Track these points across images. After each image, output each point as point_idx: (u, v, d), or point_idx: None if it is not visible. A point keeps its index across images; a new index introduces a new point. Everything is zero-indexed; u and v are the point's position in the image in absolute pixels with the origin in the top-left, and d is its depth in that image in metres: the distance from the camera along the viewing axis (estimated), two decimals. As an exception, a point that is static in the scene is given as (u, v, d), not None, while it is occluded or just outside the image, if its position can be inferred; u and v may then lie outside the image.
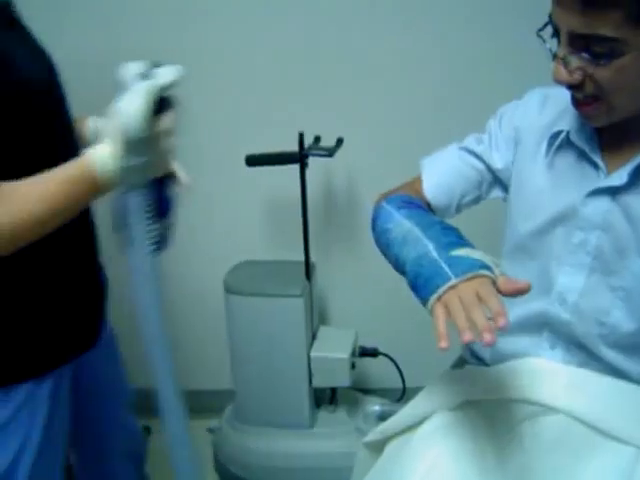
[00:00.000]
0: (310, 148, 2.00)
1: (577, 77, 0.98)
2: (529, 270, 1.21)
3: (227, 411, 2.30)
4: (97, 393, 1.60)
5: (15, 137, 1.14)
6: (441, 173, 1.31)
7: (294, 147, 1.95)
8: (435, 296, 0.96)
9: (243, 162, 1.97)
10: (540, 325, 1.21)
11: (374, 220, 1.22)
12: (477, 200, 1.33)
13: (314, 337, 2.12)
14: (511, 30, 1.85)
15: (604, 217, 1.09)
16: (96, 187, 1.08)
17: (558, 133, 1.15)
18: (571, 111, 1.14)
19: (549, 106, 1.23)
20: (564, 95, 1.18)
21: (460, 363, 1.35)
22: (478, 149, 1.30)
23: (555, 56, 0.99)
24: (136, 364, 2.47)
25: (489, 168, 1.29)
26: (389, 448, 1.22)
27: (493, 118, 1.32)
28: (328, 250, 2.12)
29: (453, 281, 0.96)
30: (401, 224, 1.12)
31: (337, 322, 2.39)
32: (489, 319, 0.88)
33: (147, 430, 2.39)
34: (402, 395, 2.35)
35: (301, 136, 1.93)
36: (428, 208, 1.28)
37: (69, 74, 1.37)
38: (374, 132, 2.11)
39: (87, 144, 1.28)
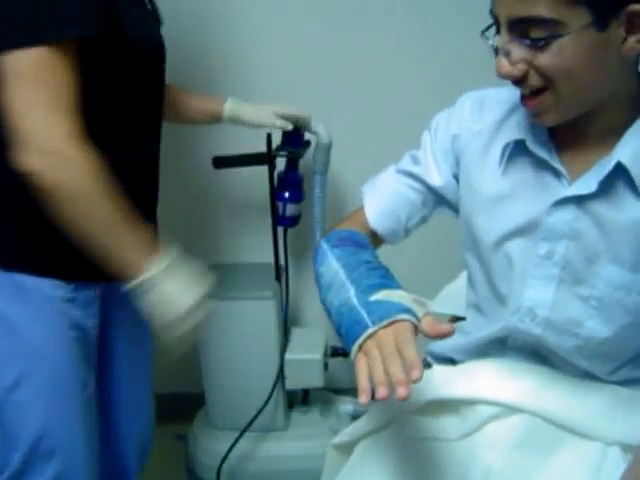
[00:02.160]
0: (278, 149, 1.99)
1: (520, 68, 0.96)
2: (490, 287, 1.19)
3: (198, 416, 2.28)
4: (120, 374, 1.60)
5: (119, 89, 1.29)
6: (383, 200, 1.27)
7: (262, 148, 1.93)
8: (356, 346, 0.95)
9: (210, 164, 1.95)
10: (502, 344, 1.19)
11: (313, 261, 1.20)
12: (424, 220, 1.30)
13: (286, 339, 2.10)
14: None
15: (571, 226, 1.06)
16: (131, 274, 1.26)
17: (513, 142, 1.12)
18: (522, 118, 1.12)
19: (488, 109, 1.19)
20: (502, 98, 1.18)
21: (427, 363, 1.35)
22: (415, 170, 1.26)
23: (497, 50, 0.98)
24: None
25: (429, 187, 1.25)
26: (358, 449, 1.21)
27: (427, 131, 1.28)
28: (296, 251, 2.11)
29: (371, 329, 0.94)
30: (330, 267, 1.11)
31: (306, 323, 2.38)
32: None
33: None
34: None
35: (269, 137, 1.92)
36: (374, 238, 1.26)
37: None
38: (345, 131, 2.10)
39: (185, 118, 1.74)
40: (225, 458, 2.07)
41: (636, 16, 0.92)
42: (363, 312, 0.97)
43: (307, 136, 1.98)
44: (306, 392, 2.27)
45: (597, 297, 1.07)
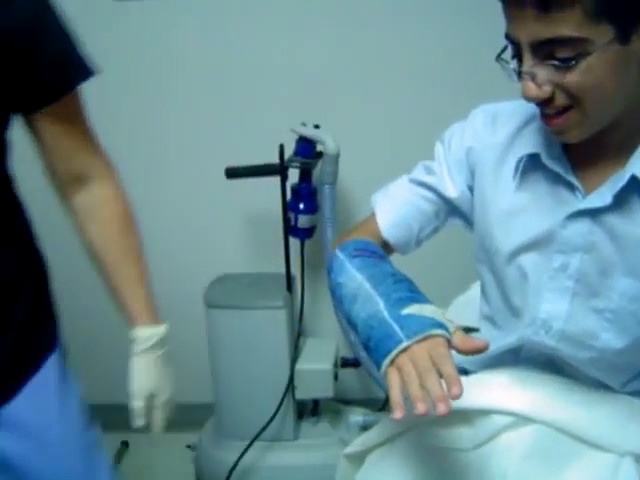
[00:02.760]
0: (291, 160, 2.00)
1: (547, 90, 0.95)
2: (503, 300, 1.20)
3: (207, 425, 2.28)
4: None
5: None
6: (395, 210, 1.25)
7: (275, 159, 1.94)
8: (387, 360, 0.93)
9: (223, 174, 1.96)
10: (516, 355, 1.20)
11: (328, 272, 1.18)
12: (436, 230, 1.29)
13: (296, 349, 2.11)
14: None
15: (586, 238, 1.06)
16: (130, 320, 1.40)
17: (527, 156, 1.12)
18: (535, 132, 1.12)
19: (501, 124, 1.19)
20: (516, 111, 1.17)
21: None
22: (429, 180, 1.25)
23: (520, 74, 0.96)
24: (112, 379, 2.47)
25: (443, 198, 1.25)
26: (370, 459, 1.21)
27: (440, 143, 1.27)
28: (308, 262, 2.11)
29: (405, 344, 0.92)
30: (352, 278, 1.08)
31: (317, 333, 2.39)
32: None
33: (125, 445, 2.38)
34: (384, 405, 2.34)
35: (281, 148, 1.93)
36: (386, 247, 1.25)
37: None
38: (357, 142, 2.11)
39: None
40: (234, 468, 2.07)
41: None
42: (395, 326, 0.95)
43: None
44: (316, 402, 2.27)
45: (612, 309, 1.07)
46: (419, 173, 1.28)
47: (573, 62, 0.91)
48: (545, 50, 0.93)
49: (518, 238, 1.13)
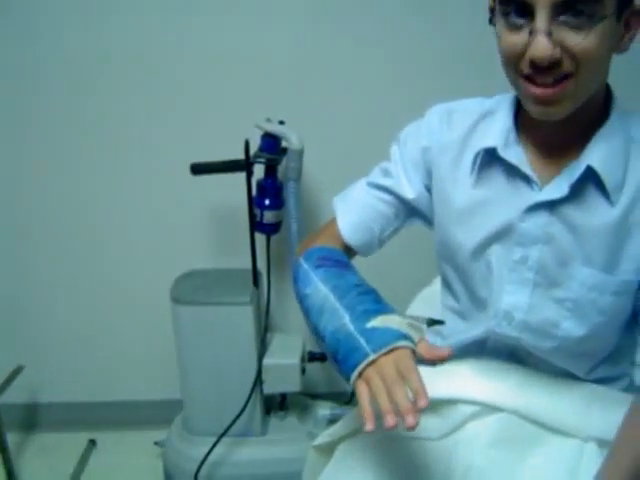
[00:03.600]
0: (256, 156, 2.00)
1: (557, 51, 0.94)
2: (468, 294, 1.22)
3: (175, 422, 2.28)
4: None
5: None
6: (355, 214, 1.27)
7: (240, 154, 1.94)
8: (356, 374, 0.95)
9: (188, 170, 1.96)
10: (481, 346, 1.22)
11: (294, 281, 1.19)
12: (397, 231, 1.31)
13: (263, 344, 2.11)
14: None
15: (544, 230, 1.09)
16: None
17: (484, 150, 1.13)
18: (490, 127, 1.14)
19: (457, 121, 1.21)
20: (470, 109, 1.20)
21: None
22: (386, 183, 1.27)
23: (532, 32, 0.94)
24: (79, 378, 2.46)
25: (401, 200, 1.26)
26: (339, 450, 1.23)
27: (396, 144, 1.29)
28: (274, 257, 2.12)
29: (371, 357, 0.94)
30: (318, 289, 1.10)
31: (284, 328, 2.40)
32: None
33: (93, 443, 2.37)
34: (351, 398, 2.36)
35: (247, 144, 1.93)
36: (348, 251, 1.26)
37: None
38: (322, 138, 2.12)
39: None
40: (202, 463, 2.07)
41: (635, 14, 0.98)
42: (361, 339, 0.97)
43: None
44: (284, 397, 2.27)
45: (572, 299, 1.10)
46: (376, 176, 1.30)
47: (590, 24, 0.92)
48: (563, 10, 0.92)
49: (480, 233, 1.15)
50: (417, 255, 1.74)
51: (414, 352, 0.96)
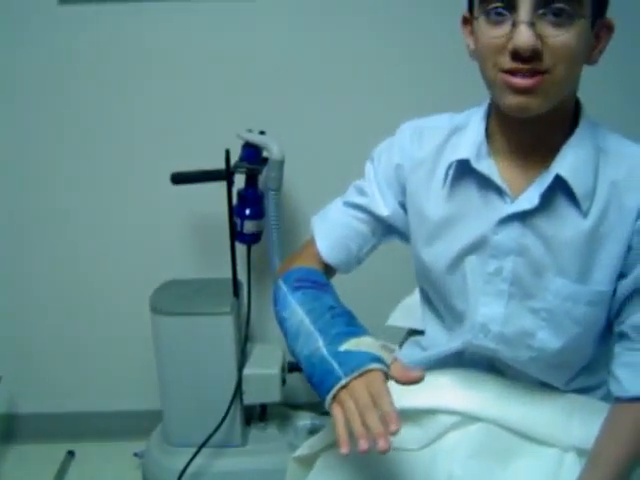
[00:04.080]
0: (237, 165, 2.00)
1: (539, 43, 0.96)
2: (446, 307, 1.23)
3: (154, 433, 2.27)
4: None
5: None
6: (332, 233, 1.28)
7: (221, 164, 1.94)
8: (330, 397, 0.96)
9: (168, 180, 1.95)
10: (460, 357, 1.22)
11: (274, 303, 1.19)
12: (375, 248, 1.31)
13: (243, 354, 2.11)
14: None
15: (517, 242, 1.10)
16: None
17: (456, 162, 1.14)
18: (461, 140, 1.15)
19: (427, 138, 1.21)
20: (440, 125, 1.21)
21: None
22: (361, 201, 1.27)
23: (515, 23, 0.96)
24: (58, 388, 2.44)
25: (376, 218, 1.27)
26: (320, 462, 1.22)
27: (370, 162, 1.29)
28: (254, 267, 2.11)
29: (343, 381, 0.95)
30: (294, 313, 1.10)
31: (264, 338, 2.39)
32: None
33: (71, 454, 2.35)
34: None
35: (227, 153, 1.93)
36: (328, 269, 1.27)
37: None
38: (302, 148, 2.13)
39: None
40: (182, 474, 2.06)
41: (604, 27, 1.03)
42: (334, 363, 0.98)
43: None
44: (264, 407, 2.27)
45: (546, 309, 1.10)
46: (351, 195, 1.30)
47: (570, 20, 0.95)
48: (544, 4, 0.95)
49: (455, 247, 1.16)
50: (398, 264, 1.74)
51: (386, 374, 0.97)
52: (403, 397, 1.17)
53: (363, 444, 0.87)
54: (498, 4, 0.98)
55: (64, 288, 2.34)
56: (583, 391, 1.20)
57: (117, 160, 2.20)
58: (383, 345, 1.01)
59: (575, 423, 1.14)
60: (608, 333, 1.15)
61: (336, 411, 0.95)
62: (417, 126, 1.25)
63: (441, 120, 1.23)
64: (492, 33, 1.00)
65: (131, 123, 2.16)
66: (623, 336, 1.12)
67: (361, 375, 0.95)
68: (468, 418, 1.14)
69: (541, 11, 0.95)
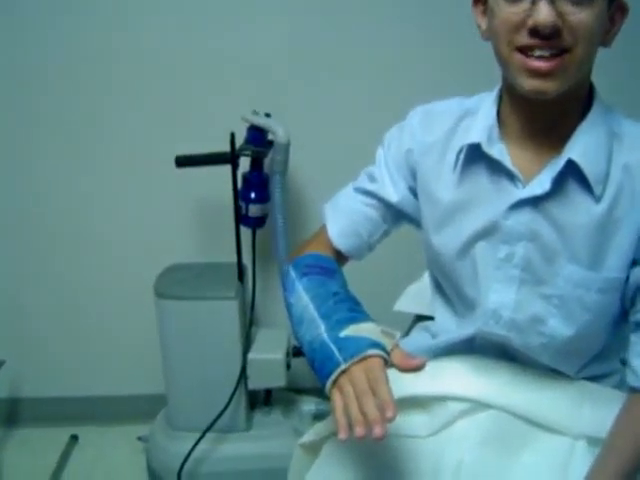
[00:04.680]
0: (242, 148, 1.98)
1: (559, 21, 0.95)
2: (457, 294, 1.21)
3: (159, 417, 2.26)
4: None
5: None
6: (343, 220, 1.28)
7: (226, 146, 1.92)
8: (330, 382, 0.97)
9: (173, 163, 1.93)
10: (470, 345, 1.21)
11: (283, 289, 1.21)
12: (387, 234, 1.31)
13: (248, 339, 2.10)
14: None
15: (529, 227, 1.08)
16: None
17: (467, 146, 1.12)
18: (473, 124, 1.13)
19: (437, 122, 1.20)
20: (451, 109, 1.19)
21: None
22: (372, 188, 1.27)
23: (535, 1, 0.94)
24: (61, 373, 2.44)
25: (386, 204, 1.26)
26: (326, 448, 1.21)
27: (381, 147, 1.29)
28: (259, 251, 2.10)
29: (343, 366, 0.96)
30: (300, 299, 1.12)
31: (269, 323, 2.38)
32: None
33: (75, 438, 2.35)
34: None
35: (232, 136, 1.91)
36: (340, 256, 1.28)
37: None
38: (309, 131, 2.10)
39: None
40: (186, 459, 2.05)
41: (619, 10, 1.01)
42: (334, 348, 0.99)
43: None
44: (268, 392, 2.26)
45: (558, 295, 1.09)
46: (362, 181, 1.30)
47: (591, 0, 0.94)
48: None
49: (465, 232, 1.15)
50: (406, 250, 1.72)
51: (386, 361, 0.97)
52: (412, 384, 1.17)
53: (359, 430, 0.88)
54: None
55: (69, 273, 2.33)
56: (595, 379, 1.19)
57: (121, 143, 2.18)
58: (384, 331, 1.02)
59: (586, 411, 1.13)
60: (622, 321, 1.14)
61: (335, 396, 0.96)
62: (428, 110, 1.23)
63: (452, 104, 1.21)
64: (510, 9, 0.98)
65: (135, 106, 2.14)
66: (639, 325, 1.10)
67: (360, 361, 0.96)
68: (478, 405, 1.14)
69: None
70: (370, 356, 0.96)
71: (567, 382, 1.16)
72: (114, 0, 2.04)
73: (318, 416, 2.17)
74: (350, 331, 1.01)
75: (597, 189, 1.04)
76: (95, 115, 2.15)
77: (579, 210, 1.05)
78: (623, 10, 1.03)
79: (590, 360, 1.17)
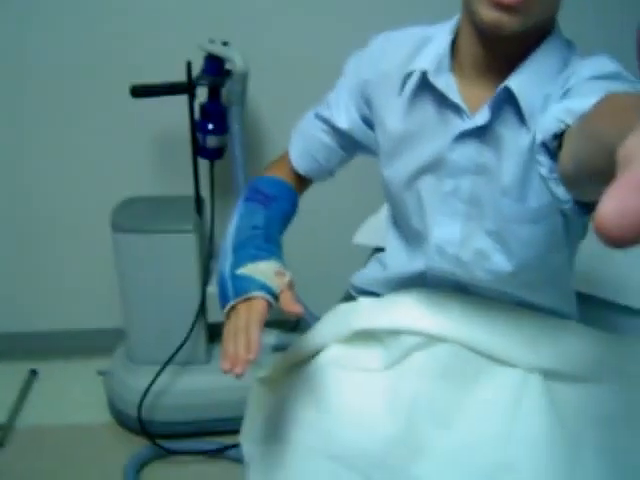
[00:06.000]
0: (199, 78, 1.93)
1: None
2: (407, 226, 1.20)
3: (118, 351, 2.25)
4: None
5: None
6: (301, 144, 1.29)
7: (182, 76, 1.87)
8: (224, 314, 1.05)
9: (128, 94, 1.88)
10: (422, 278, 1.20)
11: None
12: (345, 161, 1.30)
13: (207, 271, 2.08)
14: None
15: (474, 160, 1.05)
16: None
17: (415, 74, 1.08)
18: (426, 54, 1.08)
19: (396, 48, 1.15)
20: (413, 35, 1.14)
21: (349, 296, 1.36)
22: (326, 114, 1.25)
23: None
24: (19, 307, 2.41)
25: (339, 131, 1.25)
26: (284, 382, 1.23)
27: (341, 75, 1.26)
28: (217, 183, 2.07)
29: (231, 302, 1.04)
30: (229, 229, 1.18)
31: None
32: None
33: (34, 373, 2.34)
34: (296, 325, 2.36)
35: (189, 65, 1.86)
36: (301, 178, 1.29)
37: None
38: (267, 60, 2.06)
39: None
40: (146, 392, 2.05)
41: None
42: (229, 284, 1.06)
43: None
44: (228, 325, 2.26)
45: (496, 231, 1.07)
46: (321, 106, 1.28)
47: None
48: None
49: (411, 164, 1.12)
50: (366, 182, 1.71)
51: (270, 303, 1.03)
52: (367, 317, 1.17)
53: (223, 364, 0.96)
54: None
55: (22, 206, 2.28)
56: (554, 312, 1.18)
57: (74, 73, 2.12)
58: (277, 272, 1.07)
59: (543, 344, 1.13)
60: (565, 249, 1.12)
61: (224, 329, 1.03)
62: (388, 37, 1.19)
63: (414, 31, 1.16)
64: None
65: (88, 33, 2.07)
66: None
67: (245, 300, 1.03)
68: (433, 339, 1.13)
69: None
70: (255, 297, 1.02)
71: (525, 314, 1.16)
72: None
73: (279, 348, 2.18)
74: (246, 270, 1.06)
75: (530, 121, 0.99)
76: (45, 44, 2.08)
77: (513, 141, 1.02)
78: None
79: (544, 292, 1.17)
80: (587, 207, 0.78)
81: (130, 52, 2.09)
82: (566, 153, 0.74)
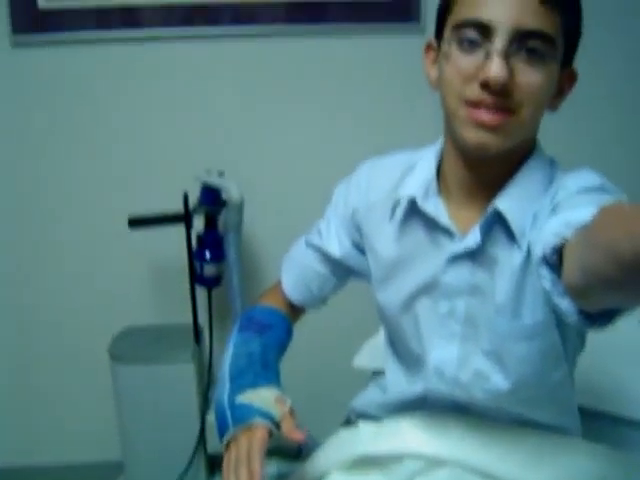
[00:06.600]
0: (195, 208, 1.97)
1: (510, 80, 0.93)
2: (405, 349, 1.19)
3: (116, 485, 2.20)
4: None
5: None
6: (294, 273, 1.31)
7: (179, 205, 1.92)
8: (224, 444, 1.04)
9: (126, 223, 1.91)
10: (422, 401, 1.19)
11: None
12: (338, 287, 1.32)
13: (206, 400, 2.06)
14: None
15: (468, 282, 1.06)
16: None
17: (403, 201, 1.10)
18: (412, 180, 1.11)
19: (383, 177, 1.18)
20: (399, 162, 1.17)
21: (349, 420, 1.34)
22: (318, 242, 1.27)
23: (488, 54, 0.93)
24: (13, 443, 2.36)
25: (332, 259, 1.27)
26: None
27: (330, 204, 1.29)
28: (215, 311, 2.08)
29: (231, 433, 1.03)
30: (226, 355, 1.19)
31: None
32: None
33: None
34: (298, 453, 2.30)
35: (186, 197, 1.91)
36: (295, 307, 1.31)
37: None
38: (263, 187, 2.11)
39: None
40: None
41: (569, 77, 1.02)
42: (229, 413, 1.06)
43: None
44: (228, 455, 2.21)
45: (493, 350, 1.07)
46: (312, 235, 1.30)
47: (544, 61, 0.94)
48: (520, 39, 0.93)
49: (406, 289, 1.13)
50: (366, 303, 1.72)
51: (270, 430, 1.03)
52: (370, 443, 1.16)
53: None
54: (473, 32, 0.95)
55: (21, 336, 2.28)
56: (556, 429, 1.17)
57: (74, 203, 2.16)
58: (278, 398, 1.06)
59: (545, 462, 1.10)
60: (562, 366, 1.11)
61: (224, 459, 1.02)
62: (375, 165, 1.22)
63: (400, 158, 1.19)
64: (463, 61, 0.96)
65: (88, 167, 2.13)
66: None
67: (246, 429, 1.02)
68: (434, 463, 1.11)
69: (516, 45, 0.92)
70: (256, 425, 1.02)
71: (526, 433, 1.14)
72: (63, 60, 2.04)
73: (280, 477, 2.12)
74: (245, 398, 1.06)
75: (521, 240, 1.01)
76: (46, 172, 2.14)
77: (505, 260, 1.03)
78: (573, 77, 1.03)
79: (543, 408, 1.15)
80: (592, 318, 0.79)
81: (128, 183, 2.14)
82: (571, 264, 0.76)
